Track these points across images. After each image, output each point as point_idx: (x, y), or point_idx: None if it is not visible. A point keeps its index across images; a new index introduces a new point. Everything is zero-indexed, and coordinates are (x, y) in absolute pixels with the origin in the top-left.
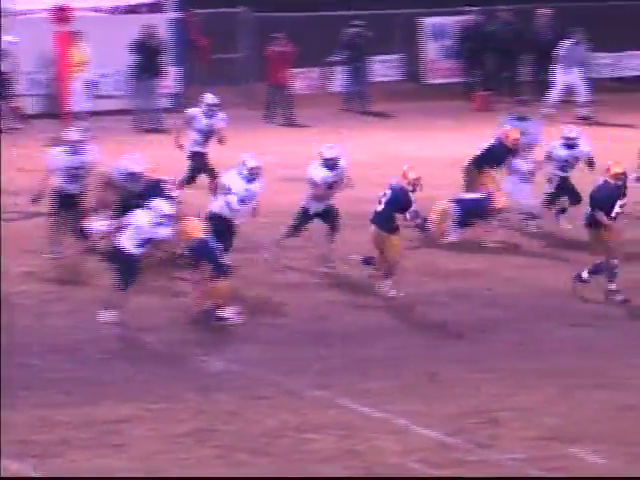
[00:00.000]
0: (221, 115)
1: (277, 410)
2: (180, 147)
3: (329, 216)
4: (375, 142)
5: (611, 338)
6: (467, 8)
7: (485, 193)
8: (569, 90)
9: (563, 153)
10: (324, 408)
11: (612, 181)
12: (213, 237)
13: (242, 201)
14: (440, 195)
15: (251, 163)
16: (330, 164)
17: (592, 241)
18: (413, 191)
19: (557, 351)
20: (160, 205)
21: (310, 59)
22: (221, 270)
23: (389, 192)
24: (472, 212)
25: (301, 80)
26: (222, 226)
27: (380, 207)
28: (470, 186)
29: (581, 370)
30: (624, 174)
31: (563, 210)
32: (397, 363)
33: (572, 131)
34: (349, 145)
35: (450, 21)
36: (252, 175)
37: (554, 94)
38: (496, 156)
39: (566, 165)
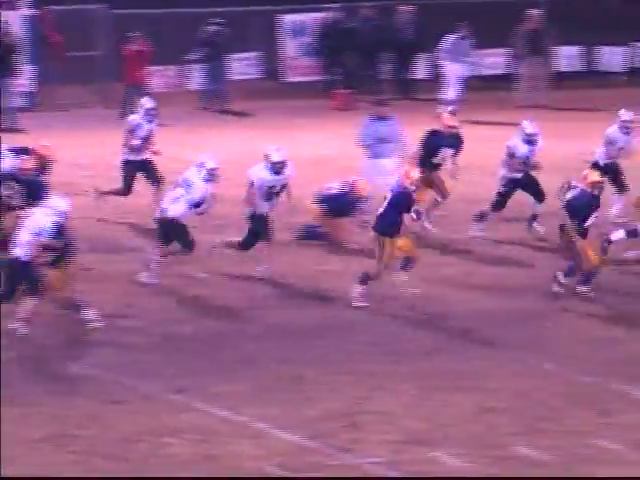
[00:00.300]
0: (156, 119)
1: (134, 414)
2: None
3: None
4: (234, 141)
5: (473, 340)
6: (327, 5)
7: (347, 185)
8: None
9: (524, 150)
10: (181, 412)
11: (589, 189)
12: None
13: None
14: (303, 195)
15: (211, 164)
16: (277, 168)
17: (563, 245)
18: (415, 191)
19: (416, 353)
20: (56, 202)
21: (167, 57)
22: (62, 259)
23: (390, 194)
24: (337, 208)
25: (158, 78)
26: (180, 227)
27: (381, 210)
28: (424, 187)
29: (440, 372)
30: (602, 182)
31: (534, 217)
32: (255, 366)
33: (532, 127)
34: (207, 144)
35: (309, 18)
36: (211, 176)
37: (450, 91)
38: (433, 147)
39: (526, 162)
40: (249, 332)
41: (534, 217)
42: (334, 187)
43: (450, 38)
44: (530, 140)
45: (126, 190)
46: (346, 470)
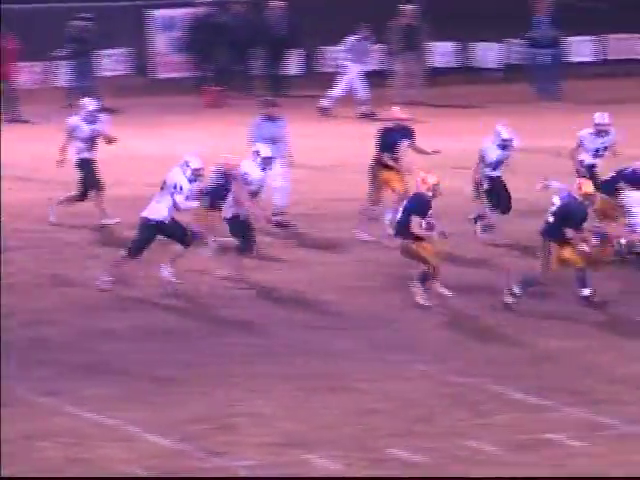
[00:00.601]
0: (103, 117)
1: (7, 417)
2: (62, 161)
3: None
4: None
5: (349, 341)
6: (197, 0)
7: (219, 170)
8: (351, 86)
9: (496, 154)
10: (53, 415)
11: (582, 199)
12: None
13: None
14: None
15: (195, 164)
16: (267, 163)
17: (541, 250)
18: (433, 197)
19: (294, 354)
20: None
21: (34, 53)
22: None
23: (405, 202)
24: (213, 197)
25: (25, 75)
26: (173, 228)
27: (400, 216)
28: (375, 185)
29: (319, 374)
30: (594, 195)
31: (481, 217)
32: (126, 369)
33: (507, 132)
34: None
35: (180, 13)
36: (195, 176)
37: (337, 89)
38: (390, 143)
39: (498, 165)
40: (120, 334)
41: (481, 217)
42: (211, 179)
43: (350, 39)
44: (505, 145)
45: (97, 185)
46: (218, 473)
